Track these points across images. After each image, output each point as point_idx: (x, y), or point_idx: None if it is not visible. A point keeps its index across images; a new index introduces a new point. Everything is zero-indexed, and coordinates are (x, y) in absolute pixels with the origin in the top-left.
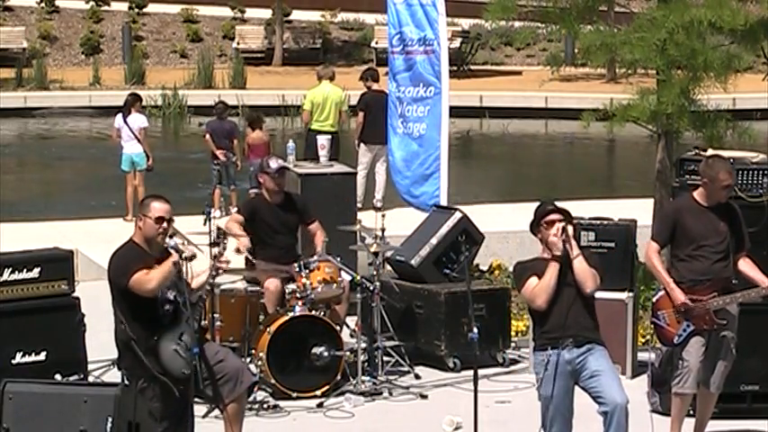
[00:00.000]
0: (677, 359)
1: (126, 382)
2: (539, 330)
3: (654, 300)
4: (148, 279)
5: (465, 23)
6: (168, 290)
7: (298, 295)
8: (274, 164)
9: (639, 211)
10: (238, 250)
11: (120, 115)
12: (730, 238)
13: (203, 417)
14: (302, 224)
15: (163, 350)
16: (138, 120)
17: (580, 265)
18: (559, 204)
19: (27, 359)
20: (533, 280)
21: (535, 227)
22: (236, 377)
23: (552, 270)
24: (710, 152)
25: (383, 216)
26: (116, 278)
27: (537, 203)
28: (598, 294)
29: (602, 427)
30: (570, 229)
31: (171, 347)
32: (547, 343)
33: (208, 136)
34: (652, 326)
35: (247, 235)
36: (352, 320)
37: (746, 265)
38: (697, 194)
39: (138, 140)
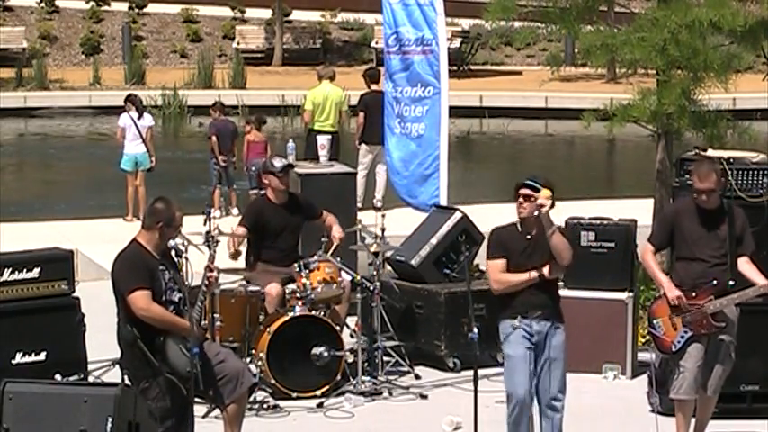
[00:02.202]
0: (674, 365)
1: (128, 382)
2: (506, 303)
3: (650, 308)
4: (148, 308)
5: (465, 23)
6: (173, 291)
7: (298, 295)
8: (278, 162)
9: (639, 211)
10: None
11: (125, 114)
12: (730, 242)
13: (203, 417)
14: (311, 220)
15: (169, 349)
16: (144, 119)
17: (557, 238)
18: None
19: (27, 359)
20: (501, 263)
21: (515, 198)
22: (237, 378)
23: (527, 278)
24: (711, 152)
25: (383, 216)
26: (118, 284)
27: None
28: (598, 294)
29: (538, 417)
30: (547, 206)
31: (177, 346)
32: (516, 312)
33: (214, 138)
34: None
35: (250, 237)
36: (352, 320)
37: (747, 267)
38: None
39: (144, 141)
